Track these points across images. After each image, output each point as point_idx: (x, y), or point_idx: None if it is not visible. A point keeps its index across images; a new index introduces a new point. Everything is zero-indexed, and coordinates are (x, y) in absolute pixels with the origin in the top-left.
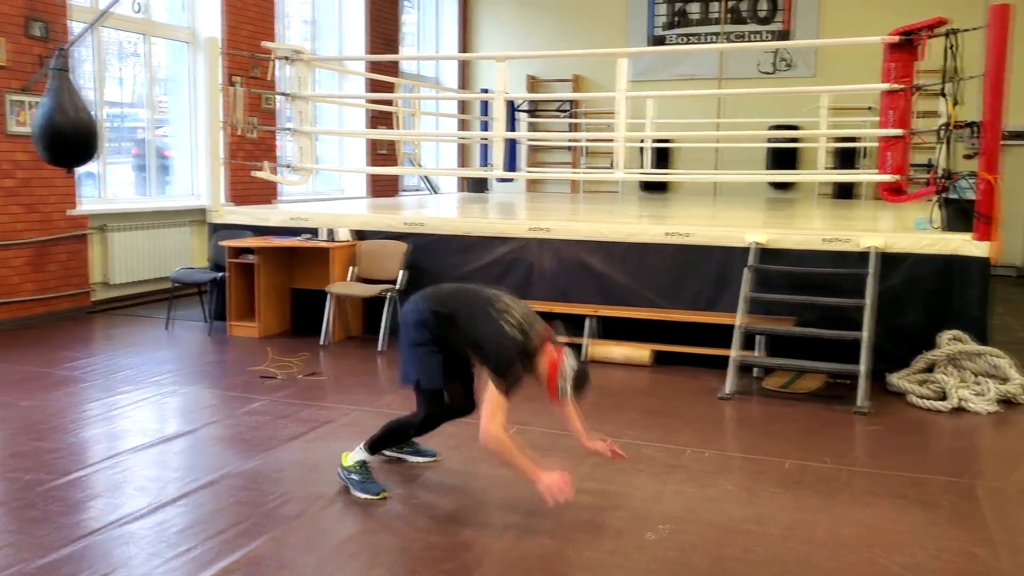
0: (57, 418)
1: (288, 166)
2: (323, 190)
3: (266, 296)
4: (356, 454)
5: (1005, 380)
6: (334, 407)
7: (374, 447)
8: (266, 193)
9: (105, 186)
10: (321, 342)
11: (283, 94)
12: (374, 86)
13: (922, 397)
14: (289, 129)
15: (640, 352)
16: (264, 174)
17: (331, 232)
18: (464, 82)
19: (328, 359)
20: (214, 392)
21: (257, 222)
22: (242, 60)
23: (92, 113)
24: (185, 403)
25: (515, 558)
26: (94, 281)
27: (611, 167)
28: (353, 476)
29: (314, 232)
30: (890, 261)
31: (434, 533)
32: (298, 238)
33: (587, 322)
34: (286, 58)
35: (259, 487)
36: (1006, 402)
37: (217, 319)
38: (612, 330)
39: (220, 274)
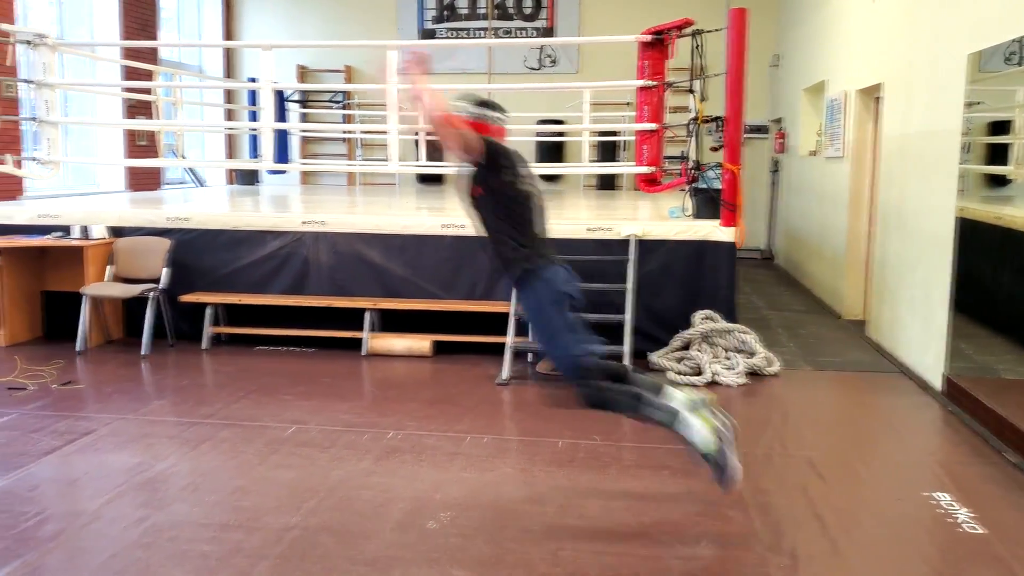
0: None
1: (35, 159)
2: (76, 184)
3: (12, 300)
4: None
5: (752, 354)
6: (94, 417)
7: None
8: (10, 189)
9: None
10: (77, 348)
11: (26, 81)
12: (130, 74)
13: (680, 373)
14: (35, 119)
15: (420, 343)
16: (7, 168)
17: (85, 229)
18: (229, 71)
19: (86, 366)
20: None
21: (0, 220)
22: None
23: None
24: None
25: (295, 559)
26: None
27: (386, 159)
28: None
29: (66, 230)
30: (648, 247)
31: (207, 542)
32: (48, 236)
33: (367, 316)
34: (28, 42)
35: (9, 508)
36: (753, 374)
37: None
38: (392, 323)
39: None
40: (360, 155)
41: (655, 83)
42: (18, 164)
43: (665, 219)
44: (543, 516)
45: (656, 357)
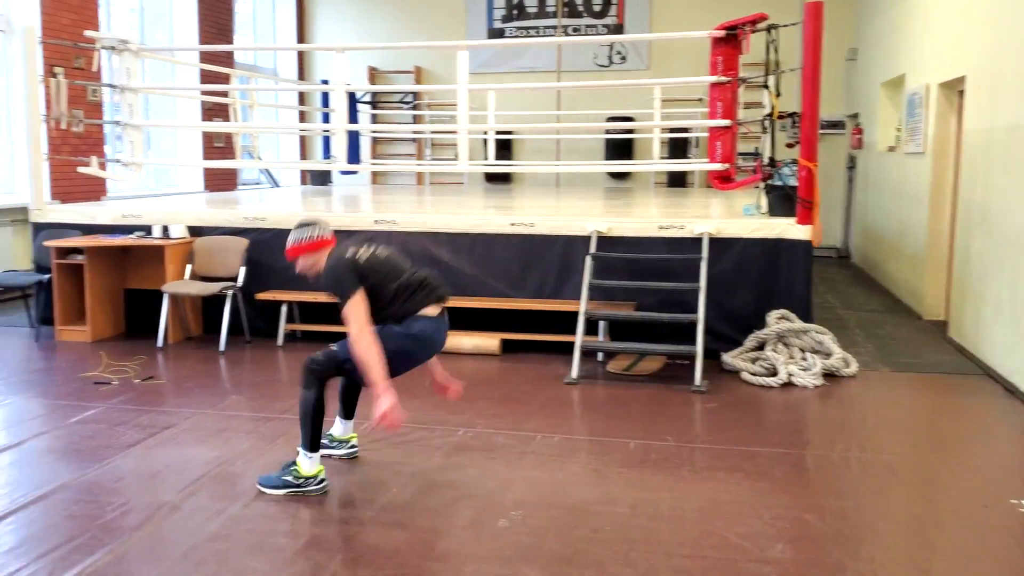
0: None
1: (118, 161)
2: (155, 185)
3: (97, 298)
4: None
5: (828, 355)
6: (175, 411)
7: None
8: (94, 190)
9: None
10: (158, 344)
11: (110, 86)
12: (208, 77)
13: (754, 374)
14: (118, 122)
15: (489, 341)
16: (91, 170)
17: (166, 229)
18: (303, 73)
19: (166, 362)
20: (43, 401)
21: (85, 220)
22: (64, 50)
23: None
24: (10, 414)
25: (368, 553)
26: None
27: (455, 159)
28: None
29: (147, 229)
30: (721, 246)
31: (284, 534)
32: (130, 236)
33: None
34: (112, 48)
35: (95, 499)
36: (830, 375)
37: (44, 324)
38: (461, 321)
39: (46, 276)
40: (429, 155)
41: (728, 79)
42: (103, 166)
43: (739, 217)
44: (614, 516)
45: (729, 358)
